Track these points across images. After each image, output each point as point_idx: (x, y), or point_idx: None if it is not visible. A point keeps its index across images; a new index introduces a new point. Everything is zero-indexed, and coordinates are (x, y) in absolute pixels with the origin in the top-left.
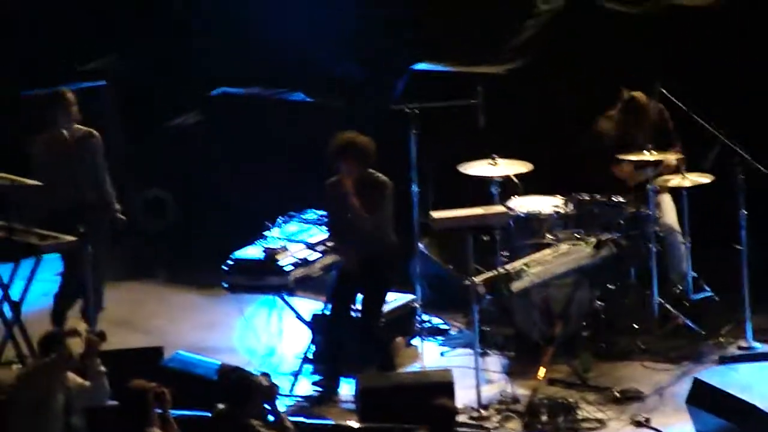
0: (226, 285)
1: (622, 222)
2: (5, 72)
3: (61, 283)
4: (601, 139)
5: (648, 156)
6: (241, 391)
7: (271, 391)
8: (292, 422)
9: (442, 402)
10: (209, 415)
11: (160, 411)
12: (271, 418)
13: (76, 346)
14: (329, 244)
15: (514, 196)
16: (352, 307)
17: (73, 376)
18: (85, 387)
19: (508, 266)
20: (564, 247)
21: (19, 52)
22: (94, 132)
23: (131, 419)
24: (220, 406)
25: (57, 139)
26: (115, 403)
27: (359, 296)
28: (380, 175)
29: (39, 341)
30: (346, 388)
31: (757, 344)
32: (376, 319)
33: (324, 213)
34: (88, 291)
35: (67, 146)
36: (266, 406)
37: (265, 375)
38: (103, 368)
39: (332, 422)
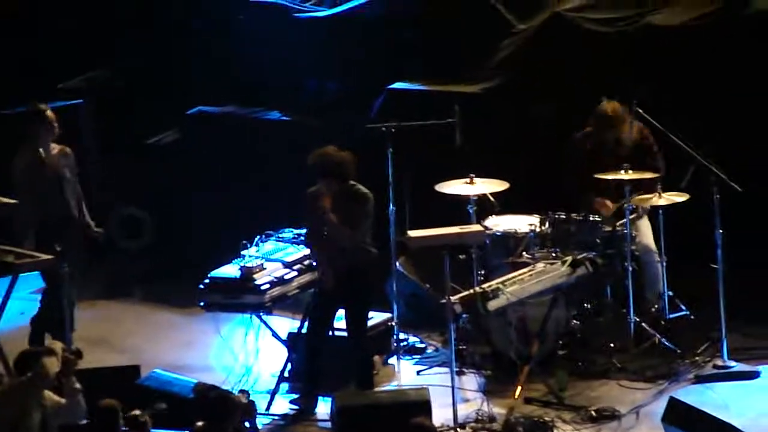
0: (202, 303)
1: (598, 241)
2: None
3: (41, 306)
4: (580, 150)
5: (624, 175)
6: (221, 407)
7: (250, 409)
8: None
9: (419, 421)
10: None
11: None
12: None
13: (53, 365)
14: (306, 261)
15: (490, 215)
16: (330, 324)
17: (49, 394)
18: (61, 405)
19: (484, 285)
20: (540, 265)
21: None
22: (67, 149)
23: None
24: (199, 423)
25: (38, 157)
26: (85, 421)
27: (339, 313)
28: (361, 187)
29: (15, 360)
30: (323, 407)
31: (732, 363)
32: (365, 332)
33: (304, 224)
34: (64, 310)
35: (49, 163)
36: (246, 424)
37: (244, 392)
38: (78, 386)
39: None
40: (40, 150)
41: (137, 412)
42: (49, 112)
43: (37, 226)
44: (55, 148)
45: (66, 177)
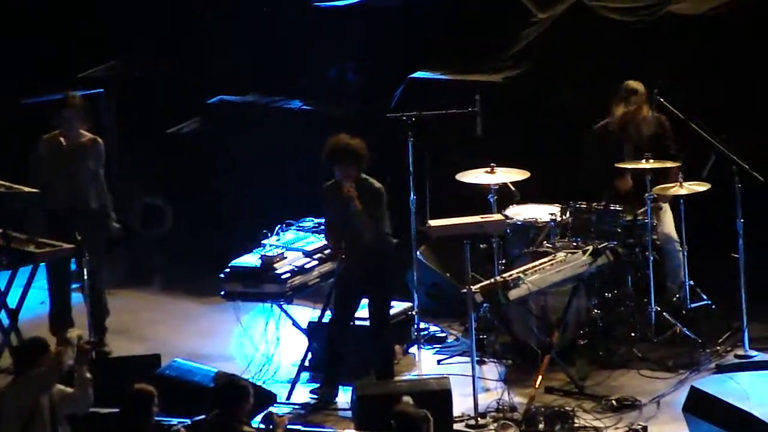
0: (223, 293)
1: (619, 230)
2: (5, 80)
3: (52, 301)
4: (604, 136)
5: (645, 165)
6: (232, 393)
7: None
8: (289, 430)
9: (401, 408)
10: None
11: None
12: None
13: (67, 356)
14: (327, 251)
15: (511, 204)
16: (350, 314)
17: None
18: (68, 394)
19: (505, 274)
20: (561, 255)
21: (18, 60)
22: (98, 139)
23: (132, 424)
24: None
25: (60, 142)
26: (113, 410)
27: (362, 303)
28: (374, 180)
29: (20, 349)
30: (343, 396)
31: (754, 352)
32: (387, 322)
33: (322, 217)
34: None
35: (69, 150)
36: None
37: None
38: (89, 376)
39: (329, 430)
40: (67, 135)
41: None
42: (77, 100)
43: (45, 216)
44: (84, 136)
45: (88, 167)
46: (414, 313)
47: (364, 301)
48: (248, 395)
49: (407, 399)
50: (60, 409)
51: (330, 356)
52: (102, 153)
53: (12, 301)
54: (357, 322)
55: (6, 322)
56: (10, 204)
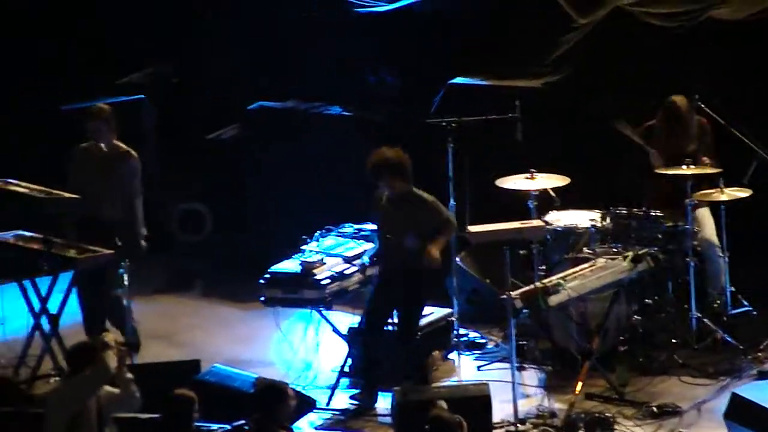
0: (262, 298)
1: (659, 236)
2: (44, 86)
3: (84, 308)
4: (649, 154)
5: (686, 170)
6: (272, 396)
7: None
8: None
9: (436, 412)
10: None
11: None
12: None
13: (111, 359)
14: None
15: (551, 210)
16: (388, 321)
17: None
18: (116, 395)
19: (545, 280)
20: (601, 261)
21: (58, 67)
22: (133, 152)
23: (172, 429)
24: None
25: (94, 153)
26: (153, 415)
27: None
28: (423, 193)
29: (68, 354)
30: (383, 402)
31: None
32: (413, 333)
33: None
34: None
35: (100, 160)
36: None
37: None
38: (131, 376)
39: None
40: (102, 145)
41: None
42: (107, 109)
43: (73, 223)
44: (118, 148)
45: (114, 178)
46: (454, 319)
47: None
48: (288, 398)
49: (441, 404)
50: (108, 411)
51: (366, 362)
52: (134, 167)
53: (53, 306)
54: (392, 329)
55: (47, 327)
56: (50, 209)
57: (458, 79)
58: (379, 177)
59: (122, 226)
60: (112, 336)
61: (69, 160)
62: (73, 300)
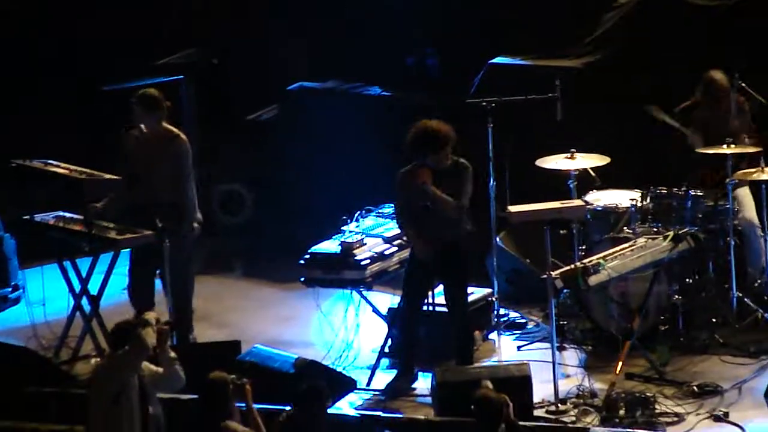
0: (302, 279)
1: (700, 215)
2: (85, 66)
3: (132, 284)
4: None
5: (726, 150)
6: (312, 398)
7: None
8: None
9: (483, 392)
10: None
11: (242, 405)
12: None
13: (150, 336)
14: (404, 237)
15: (591, 189)
16: (424, 299)
17: (146, 364)
18: (159, 374)
19: (585, 260)
20: (641, 240)
21: (98, 47)
22: (181, 136)
23: (210, 411)
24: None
25: (140, 136)
26: (194, 395)
27: (436, 289)
28: (460, 158)
29: (110, 333)
30: (423, 382)
31: None
32: (464, 307)
33: (394, 202)
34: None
35: (147, 144)
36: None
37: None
38: (174, 355)
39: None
40: (151, 129)
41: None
42: (157, 95)
43: (124, 207)
44: (165, 132)
45: (162, 162)
46: (494, 299)
47: (441, 288)
48: (327, 397)
49: (487, 383)
50: (151, 390)
51: (404, 340)
52: (182, 151)
53: (93, 287)
54: (437, 309)
55: (87, 308)
56: (92, 191)
57: (499, 59)
58: (431, 152)
59: (175, 208)
60: (153, 314)
61: (119, 146)
62: (114, 281)
